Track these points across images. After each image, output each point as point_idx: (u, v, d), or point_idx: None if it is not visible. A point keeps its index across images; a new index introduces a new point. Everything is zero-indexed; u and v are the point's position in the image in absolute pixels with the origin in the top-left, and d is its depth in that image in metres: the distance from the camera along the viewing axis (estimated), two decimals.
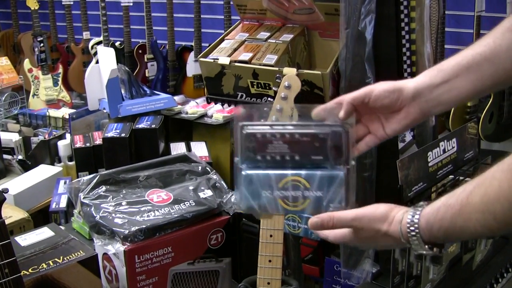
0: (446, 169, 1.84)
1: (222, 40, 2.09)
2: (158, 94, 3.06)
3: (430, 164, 1.78)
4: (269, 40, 1.99)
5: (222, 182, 2.12)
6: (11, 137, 3.27)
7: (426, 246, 1.11)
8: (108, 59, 2.91)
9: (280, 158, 1.17)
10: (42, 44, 5.03)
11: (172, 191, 2.02)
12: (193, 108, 2.94)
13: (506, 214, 0.99)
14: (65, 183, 2.63)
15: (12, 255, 1.44)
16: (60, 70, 5.23)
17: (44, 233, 1.86)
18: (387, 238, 1.15)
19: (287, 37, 1.98)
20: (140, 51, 5.05)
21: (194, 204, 1.96)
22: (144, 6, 4.90)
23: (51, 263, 1.68)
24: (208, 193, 2.03)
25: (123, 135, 2.56)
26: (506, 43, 1.19)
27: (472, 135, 1.96)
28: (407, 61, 1.75)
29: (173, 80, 4.94)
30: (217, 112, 2.82)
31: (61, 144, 2.98)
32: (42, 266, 1.67)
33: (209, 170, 2.16)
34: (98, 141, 2.70)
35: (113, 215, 1.87)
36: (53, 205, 2.48)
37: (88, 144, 2.71)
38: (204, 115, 2.88)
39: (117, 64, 2.90)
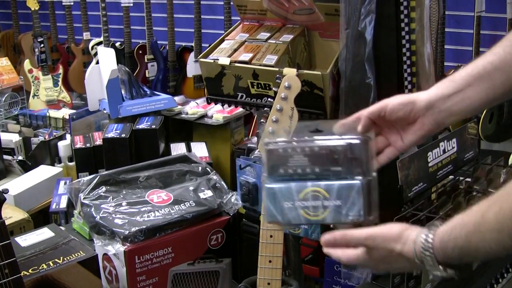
0: (446, 169, 1.84)
1: (222, 40, 2.08)
2: (158, 95, 3.06)
3: (430, 164, 1.78)
4: (269, 41, 1.99)
5: (222, 182, 2.12)
6: (11, 138, 3.27)
7: (440, 267, 1.08)
8: (108, 59, 2.92)
9: (301, 171, 1.22)
10: (42, 45, 5.03)
11: (172, 191, 2.02)
12: (193, 108, 2.95)
13: None
14: (65, 183, 2.63)
15: (12, 255, 1.44)
16: (60, 70, 5.22)
17: (44, 233, 1.86)
18: (401, 258, 1.13)
19: (287, 37, 1.98)
20: (140, 52, 5.05)
21: (194, 204, 1.96)
22: (145, 7, 4.90)
23: (51, 264, 1.68)
24: (208, 193, 2.03)
25: (123, 135, 2.56)
26: None
27: (472, 135, 1.96)
28: (407, 61, 1.75)
29: (173, 81, 4.94)
30: (217, 113, 2.82)
31: (61, 144, 2.98)
32: (42, 266, 1.67)
33: (209, 170, 2.16)
34: (98, 142, 2.70)
35: (113, 215, 1.87)
36: (53, 206, 2.48)
37: (88, 145, 2.71)
38: (204, 116, 2.88)
39: (117, 65, 2.90)
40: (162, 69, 4.96)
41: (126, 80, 2.99)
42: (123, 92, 2.95)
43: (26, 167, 3.03)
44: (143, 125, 2.68)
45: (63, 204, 2.48)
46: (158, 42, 4.98)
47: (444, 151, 1.84)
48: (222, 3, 4.61)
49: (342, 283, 1.85)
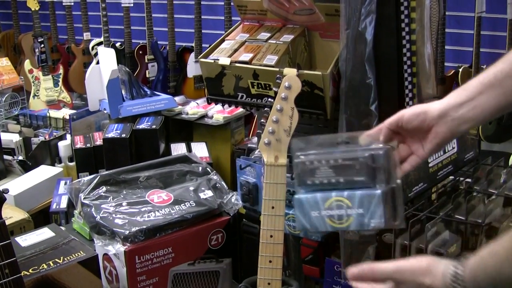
0: (446, 170, 1.84)
1: (222, 40, 2.08)
2: (159, 95, 3.06)
3: (430, 165, 1.78)
4: (269, 41, 1.99)
5: (223, 182, 2.12)
6: (12, 138, 3.27)
7: None
8: (109, 59, 2.92)
9: (327, 181, 1.30)
10: (42, 45, 5.03)
11: (173, 191, 2.03)
12: (194, 108, 2.95)
13: None
14: (65, 183, 2.63)
15: (13, 255, 1.44)
16: (61, 71, 5.23)
17: (44, 233, 1.86)
18: None
19: (288, 37, 1.98)
20: (140, 52, 5.06)
21: (194, 204, 1.96)
22: (145, 7, 4.90)
23: (52, 264, 1.69)
24: (209, 193, 2.03)
25: (123, 135, 2.56)
26: None
27: (472, 135, 1.96)
28: (408, 61, 1.75)
29: (174, 81, 4.94)
30: (218, 113, 2.82)
31: (61, 144, 2.98)
32: (43, 266, 1.67)
33: (209, 170, 2.16)
34: (99, 142, 2.70)
35: (114, 215, 1.87)
36: (54, 206, 2.48)
37: (88, 145, 2.71)
38: (204, 116, 2.88)
39: (118, 65, 2.90)
40: (163, 69, 4.97)
41: (126, 80, 2.99)
42: (123, 92, 2.95)
43: (27, 167, 3.03)
44: (144, 125, 2.68)
45: (64, 204, 2.48)
46: (159, 42, 4.99)
47: (444, 152, 1.84)
48: (222, 3, 4.62)
49: (342, 283, 1.85)
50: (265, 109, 1.54)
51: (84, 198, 1.95)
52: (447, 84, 3.97)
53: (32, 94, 4.98)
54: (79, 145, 2.71)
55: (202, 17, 4.77)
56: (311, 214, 1.32)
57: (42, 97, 5.03)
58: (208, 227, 1.96)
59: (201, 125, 2.87)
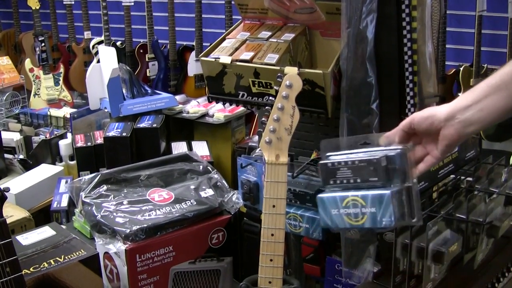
0: (447, 169, 1.84)
1: (223, 39, 2.08)
2: (159, 94, 3.06)
3: None
4: (270, 40, 1.99)
5: (223, 181, 2.12)
6: (12, 137, 3.27)
7: None
8: (109, 58, 2.92)
9: (346, 181, 1.41)
10: (43, 44, 5.04)
11: (173, 190, 2.02)
12: (194, 107, 2.95)
13: None
14: (66, 182, 2.63)
15: (14, 254, 1.44)
16: (61, 69, 5.23)
17: (45, 232, 1.86)
18: None
19: (289, 36, 1.98)
20: (141, 51, 5.06)
21: (195, 203, 1.96)
22: (145, 6, 4.91)
23: (52, 262, 1.69)
24: (209, 192, 2.03)
25: (124, 134, 2.56)
26: None
27: (473, 134, 1.96)
28: (409, 60, 1.75)
29: (174, 80, 4.94)
30: (218, 112, 2.82)
31: (62, 143, 2.98)
32: (44, 265, 1.67)
33: (210, 169, 2.16)
34: (99, 141, 2.70)
35: (114, 214, 1.87)
36: (54, 204, 2.48)
37: (89, 144, 2.71)
38: (205, 115, 2.88)
39: (118, 64, 2.91)
40: (163, 68, 4.97)
41: (127, 79, 2.99)
42: (124, 91, 2.95)
43: (27, 166, 3.03)
44: (144, 124, 2.68)
45: (64, 202, 2.48)
46: (159, 41, 4.99)
47: None
48: (223, 2, 4.62)
49: (343, 282, 1.85)
50: (266, 107, 1.54)
51: (85, 197, 1.95)
52: (447, 83, 3.97)
53: (32, 93, 4.99)
54: (80, 143, 2.72)
55: (203, 15, 4.77)
56: (332, 212, 1.42)
57: (43, 96, 5.03)
58: (209, 226, 1.96)
59: (202, 124, 2.87)
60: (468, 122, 1.32)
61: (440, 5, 1.90)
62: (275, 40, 1.98)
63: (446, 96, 3.86)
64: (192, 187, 2.04)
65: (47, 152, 3.05)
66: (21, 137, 3.33)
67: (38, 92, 5.03)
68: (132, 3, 4.95)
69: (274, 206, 1.50)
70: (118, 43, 5.15)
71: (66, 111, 3.92)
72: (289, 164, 1.52)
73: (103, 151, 2.60)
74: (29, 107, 4.44)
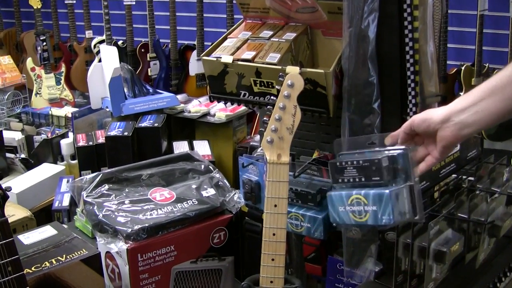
0: (449, 168, 1.84)
1: (224, 38, 2.08)
2: (161, 93, 3.06)
3: None
4: (272, 39, 1.99)
5: (225, 180, 2.12)
6: (14, 136, 3.28)
7: None
8: (111, 58, 2.92)
9: (352, 180, 1.48)
10: (44, 43, 5.03)
11: (175, 189, 2.03)
12: (196, 106, 2.95)
13: None
14: (67, 181, 2.64)
15: (15, 253, 1.44)
16: (63, 69, 5.23)
17: (47, 231, 1.86)
18: None
19: (290, 35, 1.98)
20: (142, 50, 5.05)
21: (196, 202, 1.96)
22: (147, 5, 4.90)
23: (54, 262, 1.69)
24: (211, 191, 2.03)
25: (126, 133, 2.56)
26: None
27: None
28: (410, 59, 1.75)
29: (176, 79, 4.94)
30: (220, 111, 2.82)
31: (63, 142, 2.98)
32: (45, 264, 1.67)
33: (211, 168, 2.16)
34: (101, 140, 2.70)
35: (116, 213, 1.87)
36: (56, 204, 2.49)
37: (91, 143, 2.71)
38: (206, 114, 2.88)
39: (120, 63, 2.91)
40: (165, 67, 4.96)
41: (128, 79, 2.99)
42: (125, 90, 2.95)
43: (29, 165, 3.03)
44: (146, 123, 2.68)
45: (66, 202, 2.48)
46: (161, 40, 4.98)
47: None
48: (224, 1, 4.62)
49: (345, 282, 1.85)
50: (268, 107, 1.54)
51: (86, 196, 1.95)
52: (449, 82, 3.97)
53: (34, 92, 4.99)
54: (82, 143, 2.72)
55: (204, 15, 4.77)
56: (339, 209, 1.50)
57: (44, 95, 5.03)
58: (211, 225, 1.96)
59: (203, 123, 2.87)
60: (463, 124, 1.35)
61: (442, 4, 1.90)
62: (277, 40, 1.97)
63: (448, 96, 3.85)
64: (194, 186, 2.05)
65: (48, 151, 3.05)
66: (23, 136, 3.33)
67: (39, 91, 5.03)
68: (134, 2, 4.95)
69: (275, 205, 1.50)
70: (120, 43, 5.14)
71: (67, 111, 3.92)
72: (290, 163, 1.52)
73: (104, 150, 2.60)
74: (31, 106, 4.44)
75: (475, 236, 1.71)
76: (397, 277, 1.58)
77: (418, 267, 1.58)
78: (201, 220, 1.94)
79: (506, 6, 3.71)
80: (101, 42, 5.17)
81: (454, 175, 1.89)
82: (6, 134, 3.21)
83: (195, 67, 4.82)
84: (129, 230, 1.81)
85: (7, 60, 4.30)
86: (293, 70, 1.75)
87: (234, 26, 2.15)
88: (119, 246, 1.81)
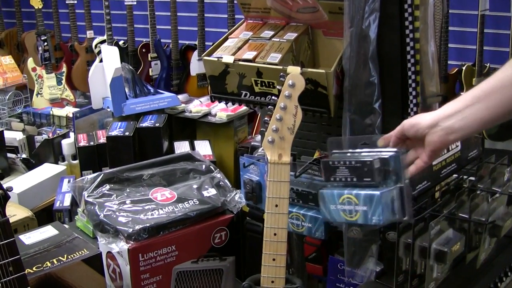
0: (449, 168, 1.84)
1: (226, 38, 2.08)
2: (162, 93, 3.06)
3: (434, 163, 1.78)
4: (273, 39, 1.99)
5: (226, 180, 2.12)
6: (15, 136, 3.28)
7: None
8: (112, 58, 2.92)
9: (344, 179, 1.51)
10: (45, 43, 5.04)
11: (176, 189, 2.03)
12: (197, 106, 2.95)
13: None
14: (69, 181, 2.64)
15: (16, 253, 1.44)
16: (64, 69, 5.23)
17: (48, 231, 1.86)
18: None
19: (291, 35, 1.98)
20: (143, 50, 5.06)
21: (198, 202, 1.96)
22: (148, 5, 4.91)
23: (55, 262, 1.69)
24: (212, 191, 2.03)
25: (127, 133, 2.56)
26: None
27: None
28: (411, 59, 1.75)
29: (177, 79, 4.94)
30: (221, 111, 2.82)
31: (65, 142, 2.98)
32: (46, 264, 1.67)
33: (213, 168, 2.16)
34: (102, 140, 2.70)
35: (117, 213, 1.87)
36: (57, 204, 2.49)
37: (92, 143, 2.71)
38: (208, 114, 2.88)
39: (121, 63, 2.91)
40: (166, 67, 4.97)
41: (129, 79, 2.99)
42: (126, 90, 2.95)
43: (30, 165, 3.03)
44: (147, 123, 2.68)
45: (67, 202, 2.48)
46: (162, 40, 4.99)
47: (447, 150, 1.84)
48: (225, 1, 4.62)
49: (346, 282, 1.85)
50: (269, 107, 1.54)
51: (87, 196, 1.95)
52: (450, 82, 3.97)
53: (35, 92, 4.99)
54: (83, 143, 2.72)
55: (205, 15, 4.77)
56: (330, 207, 1.52)
57: (45, 95, 5.03)
58: (212, 225, 1.96)
59: (204, 123, 2.87)
60: (450, 130, 1.38)
61: (443, 4, 1.90)
62: (278, 40, 1.98)
63: (449, 96, 3.86)
64: (195, 186, 2.05)
65: (49, 151, 3.05)
66: (24, 136, 3.33)
67: (40, 91, 5.03)
68: (135, 3, 4.95)
69: (276, 205, 1.50)
70: (121, 43, 5.15)
71: (68, 111, 3.92)
72: (291, 163, 1.53)
73: (105, 150, 2.60)
74: (32, 107, 4.44)
75: (476, 236, 1.71)
76: (398, 277, 1.58)
77: (419, 267, 1.58)
78: (202, 220, 1.94)
79: (507, 6, 3.72)
80: (102, 42, 5.18)
81: (455, 175, 1.89)
82: (7, 134, 3.21)
83: (196, 67, 4.82)
84: (130, 230, 1.81)
85: (8, 60, 4.30)
86: (294, 70, 1.75)
87: (235, 26, 2.15)
88: (120, 246, 1.81)
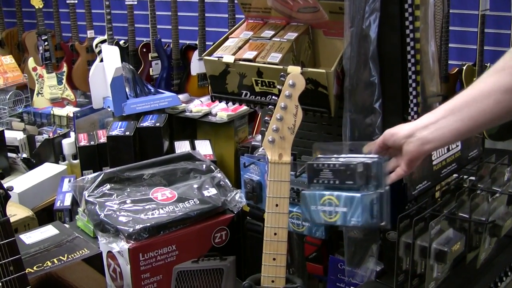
0: (450, 168, 1.84)
1: (226, 38, 2.08)
2: (163, 93, 3.06)
3: (434, 163, 1.78)
4: (273, 39, 1.99)
5: (227, 180, 2.12)
6: (16, 136, 3.28)
7: None
8: (113, 57, 2.92)
9: (327, 182, 1.55)
10: (46, 43, 5.04)
11: (177, 189, 2.03)
12: (198, 106, 2.95)
13: None
14: (69, 181, 2.64)
15: (17, 253, 1.45)
16: (65, 68, 5.23)
17: (48, 231, 1.87)
18: None
19: (292, 35, 1.98)
20: (144, 50, 5.06)
21: (198, 202, 1.97)
22: (149, 5, 4.91)
23: (56, 261, 1.69)
24: (213, 191, 2.03)
25: (127, 133, 2.57)
26: (486, 87, 1.37)
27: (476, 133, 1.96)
28: (411, 59, 1.75)
29: (177, 79, 4.94)
30: (222, 111, 2.82)
31: (65, 142, 2.98)
32: (47, 264, 1.67)
33: (213, 168, 2.16)
34: (103, 140, 2.70)
35: (118, 213, 1.88)
36: (58, 203, 2.49)
37: (92, 143, 2.71)
38: (208, 114, 2.88)
39: (122, 63, 2.91)
40: (166, 67, 4.97)
41: (130, 78, 2.99)
42: (127, 90, 2.95)
43: (31, 164, 3.03)
44: (147, 123, 2.69)
45: (67, 201, 2.48)
46: (162, 40, 4.99)
47: (448, 150, 1.84)
48: (226, 1, 4.62)
49: (346, 281, 1.85)
50: (269, 107, 1.54)
51: (88, 196, 1.95)
52: (450, 82, 3.97)
53: (36, 92, 4.99)
54: (83, 142, 2.72)
55: (206, 15, 4.78)
56: (311, 208, 1.55)
57: (46, 95, 5.04)
58: (212, 225, 1.96)
59: (205, 123, 2.87)
60: (425, 140, 1.43)
61: (443, 4, 1.90)
62: (278, 39, 1.98)
63: (449, 95, 3.83)
64: (195, 186, 2.05)
65: (50, 151, 3.05)
66: (24, 136, 3.33)
67: (41, 91, 5.03)
68: (135, 2, 4.95)
69: (277, 205, 1.50)
70: (121, 42, 5.15)
71: (69, 110, 3.92)
72: (292, 163, 1.53)
73: (106, 150, 2.60)
74: (32, 106, 4.45)
75: (476, 236, 1.71)
76: (398, 276, 1.58)
77: (419, 267, 1.58)
78: (202, 220, 1.94)
79: (508, 6, 3.72)
80: (102, 41, 5.18)
81: (455, 175, 1.89)
82: (8, 134, 3.21)
83: (196, 66, 4.82)
84: (131, 229, 1.81)
85: (8, 59, 4.30)
86: (294, 70, 1.75)
87: (236, 26, 2.15)
88: (120, 246, 1.81)
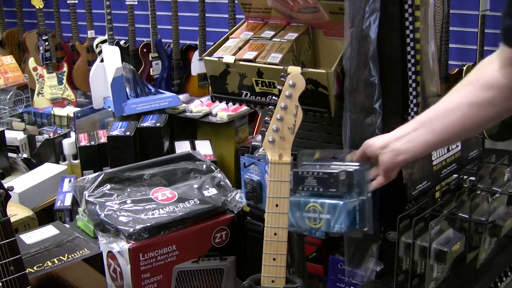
0: (450, 168, 1.84)
1: (226, 38, 2.08)
2: (163, 93, 3.06)
3: (434, 163, 1.78)
4: (273, 39, 1.99)
5: (227, 180, 2.13)
6: (16, 136, 3.28)
7: None
8: (113, 57, 2.92)
9: (311, 189, 1.59)
10: (47, 43, 5.04)
11: (177, 189, 2.03)
12: (198, 106, 2.95)
13: None
14: (70, 181, 2.64)
15: (17, 253, 1.45)
16: (65, 68, 5.23)
17: (49, 231, 1.87)
18: None
19: (292, 35, 1.98)
20: (144, 50, 5.06)
21: (198, 202, 1.97)
22: (149, 5, 4.91)
23: (56, 261, 1.69)
24: (213, 191, 2.03)
25: (128, 133, 2.57)
26: (455, 101, 1.44)
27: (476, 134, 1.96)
28: (411, 60, 1.75)
29: (178, 79, 4.94)
30: (222, 111, 2.82)
31: (65, 142, 2.98)
32: (47, 264, 1.68)
33: (213, 168, 2.17)
34: (103, 140, 2.70)
35: (118, 213, 1.88)
36: (58, 203, 2.49)
37: (93, 143, 2.71)
38: (208, 114, 2.88)
39: (122, 63, 2.91)
40: (167, 67, 4.97)
41: (130, 78, 2.99)
42: (127, 90, 2.95)
43: (31, 164, 3.04)
44: (148, 123, 2.69)
45: (68, 201, 2.48)
46: (163, 40, 4.99)
47: (448, 150, 1.84)
48: (226, 1, 4.62)
49: (346, 281, 1.85)
50: (269, 107, 1.54)
51: (88, 196, 1.95)
52: (451, 82, 3.97)
53: (36, 92, 4.99)
54: (84, 143, 2.72)
55: (206, 15, 4.78)
56: (296, 214, 1.60)
57: (46, 95, 5.04)
58: (212, 225, 1.96)
59: (205, 123, 2.87)
60: (398, 151, 1.47)
61: (443, 4, 1.90)
62: (279, 40, 1.98)
63: None
64: (196, 186, 2.05)
65: (50, 151, 3.05)
66: (25, 136, 3.33)
67: (41, 91, 5.04)
68: (136, 2, 4.95)
69: (277, 205, 1.50)
70: (122, 42, 5.15)
71: (69, 110, 3.92)
72: (292, 163, 1.53)
73: (106, 150, 2.60)
74: (33, 106, 4.44)
75: (476, 236, 1.71)
76: (398, 276, 1.58)
77: (419, 267, 1.58)
78: (202, 220, 1.95)
79: None
80: (103, 42, 5.18)
81: (455, 175, 1.90)
82: (8, 134, 3.21)
83: (197, 67, 4.83)
84: (131, 229, 1.81)
85: (9, 59, 4.30)
86: (294, 70, 1.75)
87: (236, 26, 2.15)
88: (121, 246, 1.81)
